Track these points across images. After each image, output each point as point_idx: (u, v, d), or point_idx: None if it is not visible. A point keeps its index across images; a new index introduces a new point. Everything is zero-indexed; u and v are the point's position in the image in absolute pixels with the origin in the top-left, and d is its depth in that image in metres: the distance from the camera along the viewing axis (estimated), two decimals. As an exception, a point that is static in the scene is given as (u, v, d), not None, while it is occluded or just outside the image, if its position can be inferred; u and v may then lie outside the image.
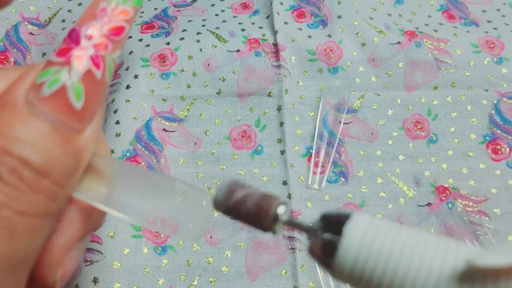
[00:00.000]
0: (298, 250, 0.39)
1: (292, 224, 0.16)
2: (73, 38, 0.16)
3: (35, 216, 0.15)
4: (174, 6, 0.52)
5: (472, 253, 0.13)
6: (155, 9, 0.52)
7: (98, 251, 0.38)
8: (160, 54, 0.46)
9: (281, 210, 0.16)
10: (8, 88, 0.15)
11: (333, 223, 0.15)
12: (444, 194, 0.42)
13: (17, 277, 0.15)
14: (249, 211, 0.16)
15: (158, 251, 0.39)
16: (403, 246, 0.13)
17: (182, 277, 0.39)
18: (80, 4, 0.52)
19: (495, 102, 0.46)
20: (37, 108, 0.15)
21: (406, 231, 0.14)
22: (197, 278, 0.39)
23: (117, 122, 0.43)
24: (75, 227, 0.17)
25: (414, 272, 0.13)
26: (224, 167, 0.43)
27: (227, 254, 0.39)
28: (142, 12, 0.51)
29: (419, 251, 0.13)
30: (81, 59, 0.15)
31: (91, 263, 0.38)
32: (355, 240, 0.14)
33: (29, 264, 0.15)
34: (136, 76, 0.45)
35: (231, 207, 0.16)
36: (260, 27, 0.48)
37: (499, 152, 0.44)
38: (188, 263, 0.39)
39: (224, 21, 0.49)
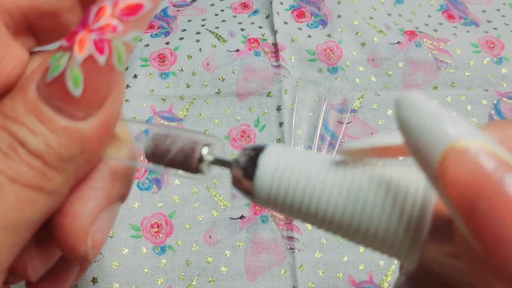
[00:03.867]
0: (297, 250, 0.39)
1: (216, 161, 0.17)
2: (83, 20, 0.15)
3: (26, 187, 0.15)
4: (173, 5, 0.52)
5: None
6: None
7: (97, 251, 0.38)
8: (160, 54, 0.46)
9: (204, 150, 0.17)
10: (30, 71, 0.16)
11: (251, 155, 0.16)
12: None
13: (2, 238, 0.15)
14: (176, 156, 0.17)
15: (157, 251, 0.39)
16: (308, 169, 0.15)
17: (181, 277, 0.39)
18: None
19: (495, 102, 0.46)
20: (42, 94, 0.15)
21: (313, 156, 0.16)
22: (196, 278, 0.39)
23: (116, 122, 0.43)
24: (100, 194, 0.18)
25: (312, 188, 0.15)
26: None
27: (226, 254, 0.39)
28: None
29: (315, 163, 0.15)
30: (83, 44, 0.15)
31: (90, 263, 0.38)
32: (268, 167, 0.16)
33: (18, 232, 0.16)
34: (135, 76, 0.45)
35: (160, 156, 0.17)
36: (260, 27, 0.48)
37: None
38: (187, 263, 0.39)
39: (223, 20, 0.49)
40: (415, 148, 0.12)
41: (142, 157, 0.18)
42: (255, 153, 0.16)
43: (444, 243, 0.13)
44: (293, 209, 0.15)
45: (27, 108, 0.15)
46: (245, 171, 0.16)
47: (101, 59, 0.15)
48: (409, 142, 0.12)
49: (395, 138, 0.14)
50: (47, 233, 0.18)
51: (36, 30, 0.18)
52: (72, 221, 0.17)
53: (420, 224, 0.14)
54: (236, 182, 0.17)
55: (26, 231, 0.16)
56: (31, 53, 0.18)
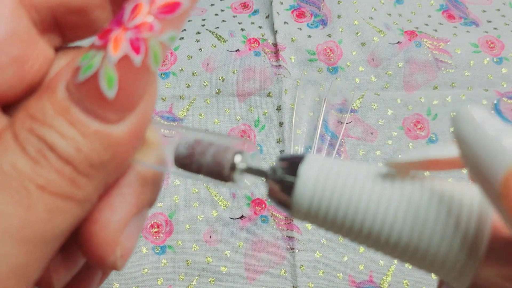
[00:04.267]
0: (297, 250, 0.39)
1: (250, 170, 0.16)
2: (117, 17, 0.14)
3: (55, 196, 0.14)
4: (173, 6, 0.52)
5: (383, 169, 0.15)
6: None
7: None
8: (160, 54, 0.46)
9: (237, 158, 0.16)
10: (59, 70, 0.15)
11: (289, 165, 0.15)
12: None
13: (30, 250, 0.14)
14: (208, 164, 0.16)
15: (157, 251, 0.39)
16: (353, 181, 0.14)
17: (181, 277, 0.39)
18: None
19: (495, 102, 0.46)
20: (73, 95, 0.14)
21: (356, 167, 0.15)
22: (196, 278, 0.39)
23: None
24: (129, 201, 0.17)
25: (358, 201, 0.14)
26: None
27: (226, 254, 0.39)
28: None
29: (359, 175, 0.14)
30: (118, 43, 0.14)
31: (90, 263, 0.38)
32: (309, 179, 0.15)
33: (47, 244, 0.15)
34: (135, 76, 0.45)
35: (191, 163, 0.17)
36: (260, 27, 0.48)
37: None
38: (187, 263, 0.39)
39: (223, 20, 0.49)
40: (474, 165, 0.12)
41: (171, 163, 0.17)
42: (295, 163, 0.15)
43: (502, 265, 0.13)
44: (335, 224, 0.14)
45: (57, 110, 0.14)
46: (283, 182, 0.15)
47: (137, 59, 0.14)
48: (468, 158, 0.12)
49: (445, 151, 0.13)
50: (72, 240, 0.17)
51: (63, 27, 0.17)
52: (101, 230, 0.16)
53: (477, 243, 0.13)
54: (272, 194, 0.16)
55: (55, 243, 0.15)
56: (56, 50, 0.17)
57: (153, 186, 0.18)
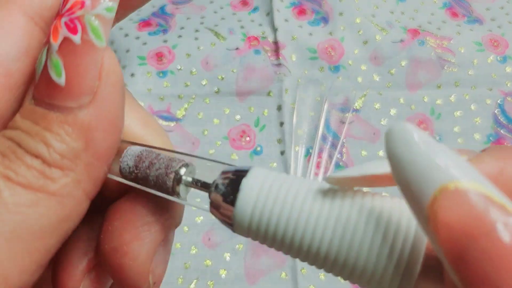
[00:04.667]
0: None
1: (195, 183, 0.16)
2: (57, 12, 0.15)
3: (25, 188, 0.14)
4: (172, 3, 0.51)
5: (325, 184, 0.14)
6: (153, 6, 0.51)
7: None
8: (158, 52, 0.45)
9: (182, 171, 0.16)
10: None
11: (232, 179, 0.15)
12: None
13: (3, 246, 0.14)
14: (155, 173, 0.16)
15: (155, 254, 0.39)
16: (294, 196, 0.14)
17: (180, 280, 0.38)
18: None
19: (499, 101, 0.45)
20: (36, 98, 0.15)
21: (299, 182, 0.14)
22: (195, 281, 0.38)
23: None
24: (155, 229, 0.17)
25: (297, 219, 0.14)
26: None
27: (225, 257, 0.39)
28: (140, 9, 0.50)
29: (300, 192, 0.14)
30: (56, 30, 0.14)
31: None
32: (251, 193, 0.14)
33: (22, 241, 0.15)
34: (132, 75, 0.44)
35: (138, 174, 0.16)
36: (260, 25, 0.47)
37: (503, 153, 0.43)
38: (186, 266, 0.38)
39: (223, 18, 0.49)
40: (404, 185, 0.11)
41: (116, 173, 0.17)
42: (238, 176, 0.15)
43: (435, 284, 0.13)
44: (275, 241, 0.14)
45: (23, 115, 0.15)
46: (225, 196, 0.15)
47: (76, 38, 0.14)
48: (398, 177, 0.12)
49: (385, 167, 0.13)
50: (96, 266, 0.18)
51: None
52: (132, 262, 0.16)
53: (412, 263, 0.13)
54: (214, 209, 0.15)
55: (34, 240, 0.15)
56: None
57: (176, 210, 0.18)
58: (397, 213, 0.13)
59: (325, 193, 0.14)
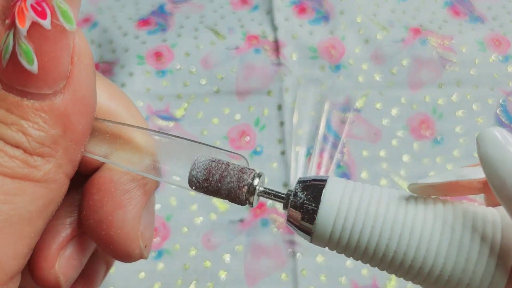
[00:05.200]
0: (299, 254, 0.38)
1: (268, 193, 0.16)
2: None
3: (10, 178, 0.14)
4: (171, 2, 0.51)
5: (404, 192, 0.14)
6: (152, 5, 0.51)
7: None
8: (156, 52, 0.45)
9: (256, 181, 0.16)
10: None
11: (311, 190, 0.15)
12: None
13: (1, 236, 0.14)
14: (227, 187, 0.16)
15: (154, 255, 0.38)
16: (376, 205, 0.14)
17: (179, 281, 0.38)
18: None
19: (501, 101, 0.45)
20: (4, 83, 0.14)
21: (378, 191, 0.14)
22: (194, 282, 0.38)
23: (112, 121, 0.41)
24: (137, 195, 0.17)
25: (382, 225, 0.14)
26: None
27: (225, 258, 0.38)
28: (139, 8, 0.50)
29: (382, 200, 0.14)
30: (23, 13, 0.13)
31: (84, 268, 0.37)
32: (332, 206, 0.14)
33: (14, 226, 0.15)
34: (131, 74, 0.44)
35: (209, 187, 0.17)
36: (260, 24, 0.47)
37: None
38: (185, 267, 0.38)
39: (222, 17, 0.48)
40: (501, 186, 0.12)
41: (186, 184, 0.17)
42: (317, 188, 0.15)
43: None
44: (358, 250, 0.14)
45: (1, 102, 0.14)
46: (305, 208, 0.15)
47: (45, 22, 0.13)
48: (494, 179, 0.12)
49: (468, 175, 0.14)
50: (78, 241, 0.18)
51: None
52: (120, 230, 0.17)
53: (503, 265, 0.13)
54: (292, 221, 0.15)
55: (24, 225, 0.15)
56: None
57: (153, 173, 0.18)
58: (488, 215, 0.13)
59: (407, 200, 0.14)
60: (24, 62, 0.13)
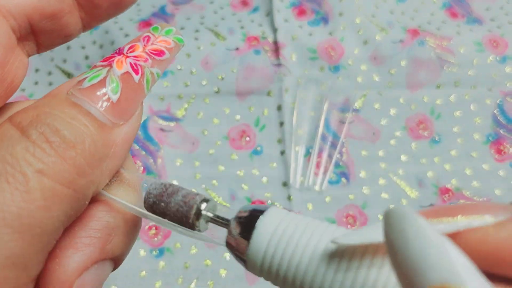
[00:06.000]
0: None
1: (215, 220, 0.17)
2: (119, 50, 0.18)
3: (55, 182, 0.14)
4: (172, 3, 0.51)
5: (340, 234, 0.14)
6: (153, 7, 0.51)
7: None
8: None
9: (203, 206, 0.16)
10: (59, 85, 0.17)
11: (249, 217, 0.15)
12: (447, 195, 0.41)
13: (29, 241, 0.14)
14: (174, 210, 0.17)
15: (155, 254, 0.39)
16: (303, 247, 0.14)
17: (180, 279, 0.38)
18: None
19: (498, 101, 0.45)
20: (75, 97, 0.16)
21: (312, 229, 0.14)
22: (195, 280, 0.38)
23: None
24: (95, 245, 0.17)
25: (301, 260, 0.14)
26: (223, 168, 0.42)
27: (225, 257, 0.39)
28: (140, 9, 0.50)
29: (311, 241, 0.14)
30: (121, 63, 0.17)
31: (86, 266, 0.37)
32: (264, 235, 0.15)
33: (45, 235, 0.15)
34: (132, 75, 0.44)
35: (159, 209, 0.17)
36: (260, 25, 0.47)
37: (503, 153, 0.43)
38: (186, 266, 0.38)
39: (222, 18, 0.49)
40: (402, 276, 0.11)
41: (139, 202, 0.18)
42: (254, 215, 0.15)
43: None
44: (286, 284, 0.14)
45: (63, 105, 0.16)
46: (240, 233, 0.15)
47: (136, 77, 0.17)
48: (397, 268, 0.11)
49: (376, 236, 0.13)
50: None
51: (38, 33, 0.18)
52: (58, 267, 0.16)
53: None
54: (229, 246, 0.16)
55: (52, 235, 0.15)
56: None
57: (123, 238, 0.18)
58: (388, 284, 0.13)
59: (331, 256, 0.14)
60: (109, 90, 0.16)
